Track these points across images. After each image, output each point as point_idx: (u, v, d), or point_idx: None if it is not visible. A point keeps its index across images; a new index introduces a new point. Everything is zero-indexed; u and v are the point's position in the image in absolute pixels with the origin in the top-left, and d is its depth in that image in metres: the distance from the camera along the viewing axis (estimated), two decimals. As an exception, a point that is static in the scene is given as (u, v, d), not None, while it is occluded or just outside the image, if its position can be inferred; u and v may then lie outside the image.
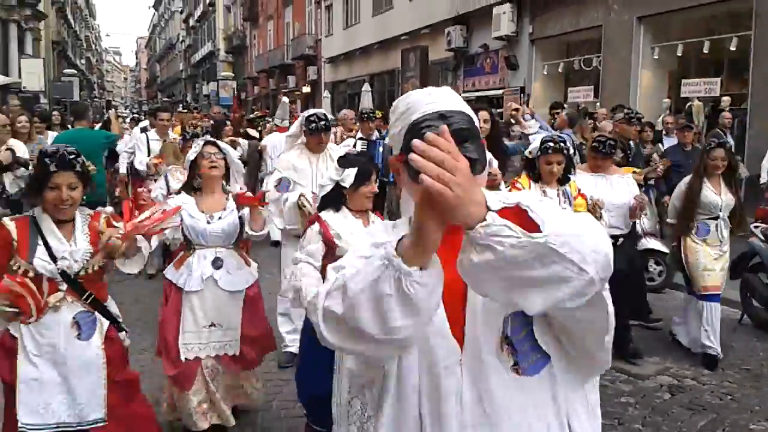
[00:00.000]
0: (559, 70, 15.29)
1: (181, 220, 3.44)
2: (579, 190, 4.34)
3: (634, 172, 5.61)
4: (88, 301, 2.87)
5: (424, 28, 19.73)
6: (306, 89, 30.59)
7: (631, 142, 6.73)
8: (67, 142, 5.26)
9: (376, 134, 7.89)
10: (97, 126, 10.13)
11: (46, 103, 26.07)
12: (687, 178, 5.07)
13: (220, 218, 3.57)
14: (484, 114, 4.99)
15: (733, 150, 5.08)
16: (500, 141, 5.44)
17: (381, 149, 6.99)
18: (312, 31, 30.78)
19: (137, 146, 7.40)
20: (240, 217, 3.63)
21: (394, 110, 1.41)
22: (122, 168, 8.04)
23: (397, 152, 1.39)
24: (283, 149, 5.06)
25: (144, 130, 8.23)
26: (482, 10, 16.46)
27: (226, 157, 3.66)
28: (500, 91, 16.69)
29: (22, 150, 6.22)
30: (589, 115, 10.38)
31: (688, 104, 11.49)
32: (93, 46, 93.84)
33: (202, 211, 3.55)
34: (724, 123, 9.47)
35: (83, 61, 73.12)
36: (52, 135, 7.88)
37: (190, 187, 3.67)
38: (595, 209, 4.19)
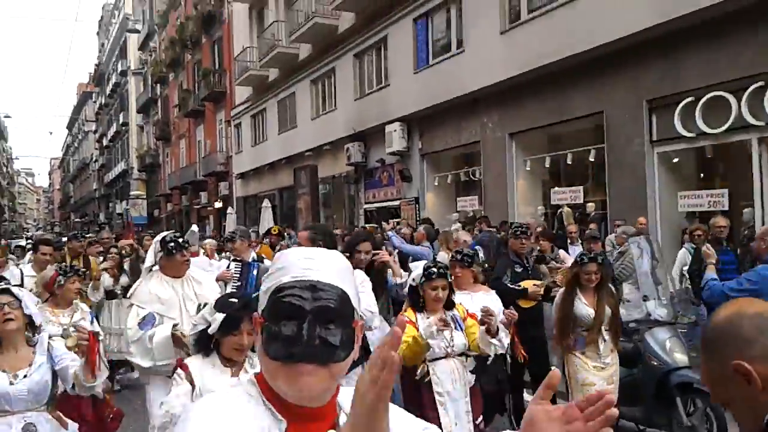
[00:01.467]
0: (448, 181, 16.26)
1: None
2: (467, 311, 4.21)
3: (534, 284, 5.76)
4: None
5: (325, 144, 20.64)
6: (218, 205, 30.84)
7: (538, 253, 7.04)
8: None
9: (252, 254, 7.23)
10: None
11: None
12: (561, 291, 5.13)
13: (25, 376, 3.11)
14: (366, 245, 4.88)
15: (603, 261, 5.09)
16: (382, 274, 5.21)
17: (255, 272, 6.55)
18: (223, 149, 31.47)
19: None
20: (54, 371, 3.22)
21: (274, 261, 1.34)
22: None
23: (259, 309, 1.29)
24: (137, 283, 4.44)
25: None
26: (376, 128, 17.48)
27: (22, 305, 3.20)
28: (397, 202, 17.50)
29: None
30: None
31: (559, 210, 12.45)
32: (4, 169, 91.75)
33: (3, 371, 3.08)
34: (593, 233, 9.40)
35: (-9, 184, 71.16)
36: None
37: None
38: (489, 320, 3.88)
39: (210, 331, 2.87)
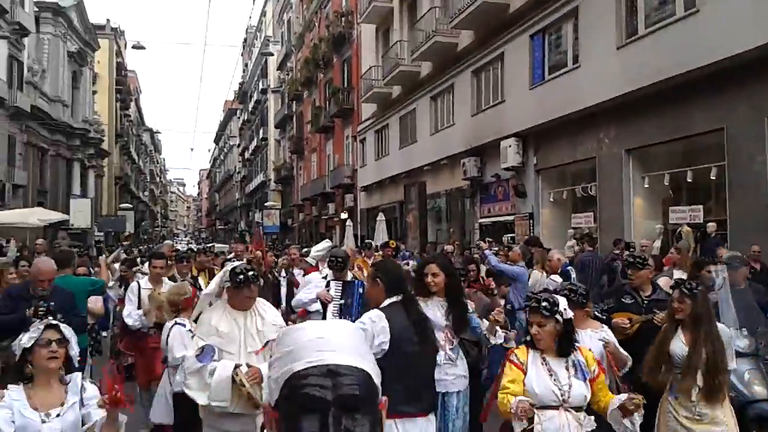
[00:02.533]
0: (563, 197, 16.00)
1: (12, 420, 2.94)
2: (598, 361, 3.63)
3: (629, 319, 5.01)
4: None
5: (443, 159, 20.96)
6: (343, 215, 32.04)
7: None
8: (53, 290, 5.80)
9: (350, 275, 6.81)
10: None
11: (101, 235, 28.22)
12: (663, 327, 4.57)
13: (58, 416, 3.02)
14: (432, 268, 4.42)
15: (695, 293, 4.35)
16: (459, 296, 4.56)
17: (360, 290, 6.15)
18: (349, 162, 32.71)
19: (128, 297, 6.66)
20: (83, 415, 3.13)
21: (279, 342, 1.19)
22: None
23: (272, 400, 1.14)
24: (200, 311, 4.28)
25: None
26: (492, 143, 17.56)
27: (68, 346, 3.18)
28: (512, 217, 17.44)
29: None
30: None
31: (678, 230, 11.92)
32: (157, 179, 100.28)
33: (35, 408, 2.99)
34: (698, 259, 8.93)
35: (146, 193, 78.06)
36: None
37: (18, 376, 3.11)
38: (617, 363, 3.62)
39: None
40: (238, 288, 3.91)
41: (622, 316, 5.05)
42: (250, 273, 3.93)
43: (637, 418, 3.31)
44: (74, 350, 3.23)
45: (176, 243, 58.24)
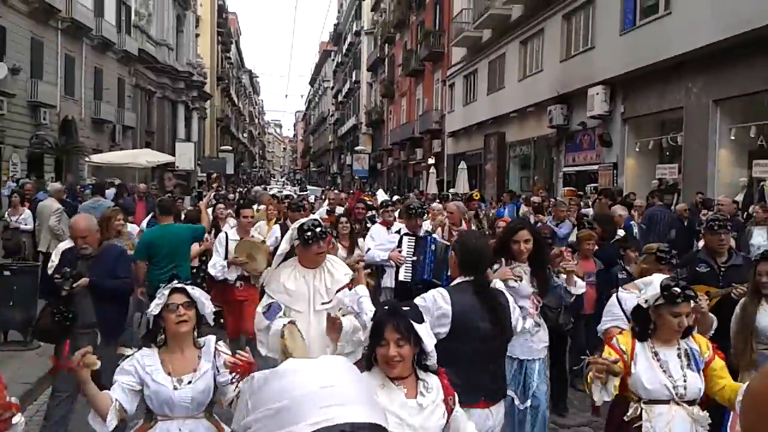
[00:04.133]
0: (649, 147, 15.78)
1: (143, 385, 2.90)
2: (712, 346, 3.24)
3: (707, 293, 4.37)
4: None
5: (530, 106, 20.90)
6: (431, 161, 32.48)
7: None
8: (155, 239, 6.44)
9: (424, 228, 6.80)
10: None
11: (203, 176, 30.10)
12: (743, 300, 4.23)
13: (190, 383, 2.95)
14: (524, 234, 4.29)
15: None
16: (544, 260, 4.45)
17: (432, 247, 6.20)
18: (438, 107, 32.89)
19: (215, 247, 6.55)
20: (215, 380, 3.04)
21: (256, 391, 0.99)
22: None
23: None
24: (271, 269, 4.26)
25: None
26: (580, 90, 17.39)
27: (197, 305, 3.06)
28: (596, 167, 17.37)
29: None
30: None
31: (761, 184, 11.68)
32: (256, 120, 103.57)
33: (168, 374, 2.91)
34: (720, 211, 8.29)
35: (245, 135, 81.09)
36: (132, 228, 7.63)
37: (152, 341, 3.05)
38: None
39: (363, 342, 2.52)
40: (307, 245, 3.83)
41: (698, 288, 4.19)
42: (318, 229, 3.86)
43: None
44: (207, 309, 3.11)
45: (274, 183, 60.51)
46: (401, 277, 6.21)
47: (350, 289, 3.86)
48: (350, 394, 0.97)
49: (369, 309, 3.64)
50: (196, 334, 3.09)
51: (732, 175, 12.86)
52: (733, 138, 12.84)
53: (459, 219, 7.64)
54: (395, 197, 14.81)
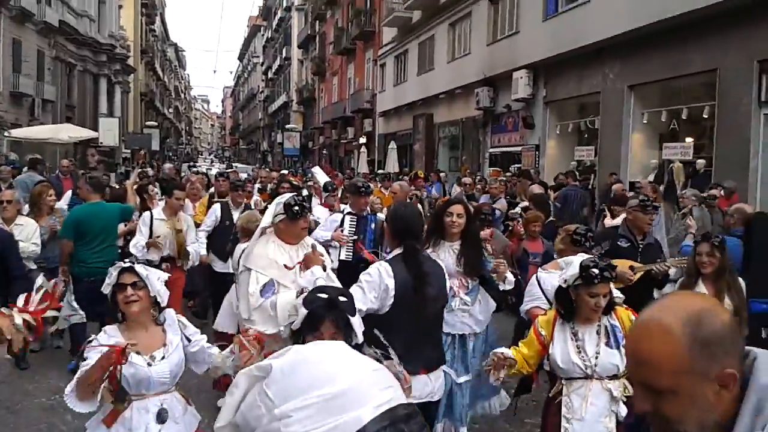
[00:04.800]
0: (569, 129, 16.56)
1: (116, 367, 2.71)
2: (633, 319, 3.28)
3: (631, 267, 4.84)
4: None
5: (458, 88, 21.42)
6: (362, 140, 32.73)
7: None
8: (86, 217, 6.20)
9: (368, 208, 6.73)
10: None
11: (128, 153, 29.33)
12: (681, 280, 4.57)
13: (163, 358, 2.94)
14: (458, 208, 4.38)
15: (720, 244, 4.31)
16: (475, 240, 4.49)
17: (372, 225, 6.35)
18: (369, 87, 33.09)
19: (138, 227, 6.46)
20: (186, 351, 3.06)
21: (276, 380, 1.03)
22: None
23: None
24: (249, 244, 4.14)
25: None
26: (505, 74, 17.98)
27: (147, 285, 2.98)
28: (519, 148, 18.07)
29: (27, 230, 6.00)
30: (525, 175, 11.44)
31: (670, 165, 12.54)
32: (182, 95, 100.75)
33: (137, 353, 2.83)
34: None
35: (171, 110, 78.87)
36: (60, 205, 7.41)
37: (114, 318, 3.04)
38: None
39: (293, 327, 2.50)
40: (295, 219, 3.83)
41: (621, 262, 4.73)
42: (305, 204, 3.91)
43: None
44: (157, 288, 3.02)
45: (201, 161, 59.32)
46: (342, 256, 6.20)
47: (302, 270, 3.77)
48: (390, 376, 1.02)
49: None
50: (154, 312, 3.03)
51: (644, 156, 13.74)
52: (645, 122, 13.68)
53: (404, 197, 7.66)
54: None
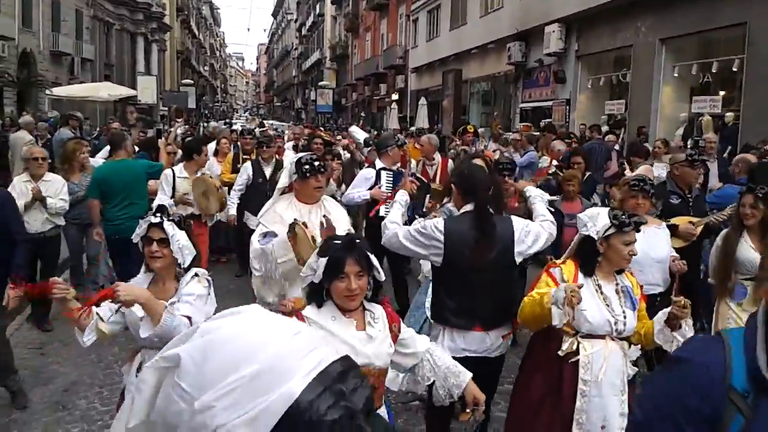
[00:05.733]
0: (600, 83, 16.51)
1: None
2: (639, 285, 3.32)
3: (690, 222, 4.87)
4: None
5: (490, 43, 21.36)
6: (395, 97, 32.82)
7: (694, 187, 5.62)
8: (108, 175, 6.08)
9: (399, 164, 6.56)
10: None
11: (165, 110, 29.99)
12: (724, 231, 4.40)
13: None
14: (479, 161, 4.34)
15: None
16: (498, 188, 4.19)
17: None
18: (402, 43, 33.00)
19: (161, 185, 6.30)
20: None
21: (188, 371, 0.92)
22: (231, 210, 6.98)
23: None
24: (269, 203, 4.19)
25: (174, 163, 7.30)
26: (537, 28, 17.91)
27: (171, 242, 3.00)
28: (551, 103, 18.08)
29: (55, 186, 5.93)
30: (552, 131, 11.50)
31: (699, 118, 12.55)
32: (217, 53, 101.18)
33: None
34: (707, 147, 8.63)
35: (207, 68, 79.49)
36: (95, 163, 7.03)
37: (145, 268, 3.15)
38: (682, 315, 2.99)
39: (315, 279, 2.48)
40: (305, 179, 3.88)
41: (679, 219, 4.87)
42: (316, 163, 3.91)
43: (689, 321, 3.06)
44: (180, 247, 3.01)
45: (236, 118, 59.92)
46: (381, 213, 5.75)
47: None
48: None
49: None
50: (180, 269, 3.05)
51: (674, 110, 13.73)
52: (676, 75, 13.63)
53: (431, 152, 7.53)
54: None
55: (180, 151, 7.73)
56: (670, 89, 13.88)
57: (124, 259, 5.67)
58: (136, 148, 8.34)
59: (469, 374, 2.70)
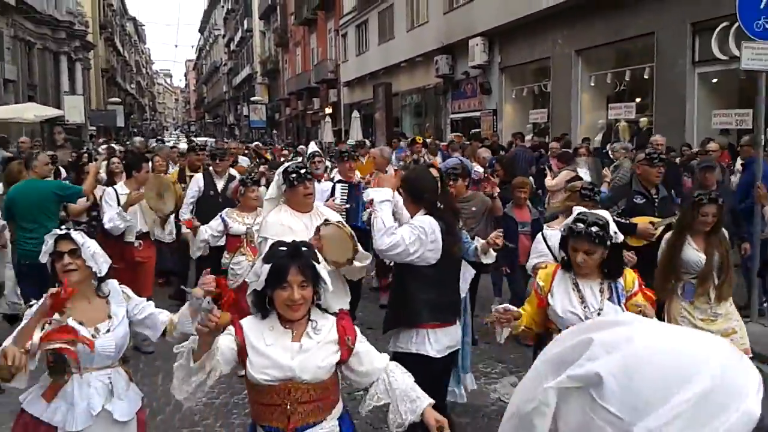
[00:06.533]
0: (523, 93, 17.27)
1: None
2: (639, 284, 3.33)
3: (651, 222, 4.92)
4: None
5: (418, 57, 21.94)
6: (328, 111, 33.08)
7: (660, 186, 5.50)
8: (16, 196, 5.75)
9: (358, 174, 6.71)
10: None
11: (93, 129, 29.34)
12: (668, 234, 4.54)
13: (108, 330, 2.79)
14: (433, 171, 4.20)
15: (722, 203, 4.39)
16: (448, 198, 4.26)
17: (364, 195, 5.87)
18: (332, 57, 33.34)
19: (105, 201, 6.06)
20: (131, 322, 2.91)
21: (623, 387, 0.83)
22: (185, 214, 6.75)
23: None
24: (262, 216, 4.22)
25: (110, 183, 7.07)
26: (462, 42, 18.55)
27: (82, 251, 2.78)
28: (479, 113, 18.75)
29: None
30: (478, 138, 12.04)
31: (616, 124, 13.36)
32: (144, 70, 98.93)
33: (81, 323, 2.70)
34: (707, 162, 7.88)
35: (133, 86, 77.69)
36: None
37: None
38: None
39: (257, 287, 2.40)
40: (293, 187, 3.91)
41: (640, 219, 4.96)
42: (302, 170, 3.95)
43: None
44: (94, 257, 2.82)
45: (168, 136, 58.88)
46: (365, 218, 5.82)
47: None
48: (732, 344, 0.94)
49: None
50: (96, 282, 2.87)
51: (592, 117, 14.54)
52: (592, 84, 14.45)
53: (384, 165, 7.60)
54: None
55: (105, 176, 7.52)
56: (588, 97, 14.69)
57: (33, 284, 5.18)
58: (63, 170, 8.15)
59: (428, 400, 2.53)
